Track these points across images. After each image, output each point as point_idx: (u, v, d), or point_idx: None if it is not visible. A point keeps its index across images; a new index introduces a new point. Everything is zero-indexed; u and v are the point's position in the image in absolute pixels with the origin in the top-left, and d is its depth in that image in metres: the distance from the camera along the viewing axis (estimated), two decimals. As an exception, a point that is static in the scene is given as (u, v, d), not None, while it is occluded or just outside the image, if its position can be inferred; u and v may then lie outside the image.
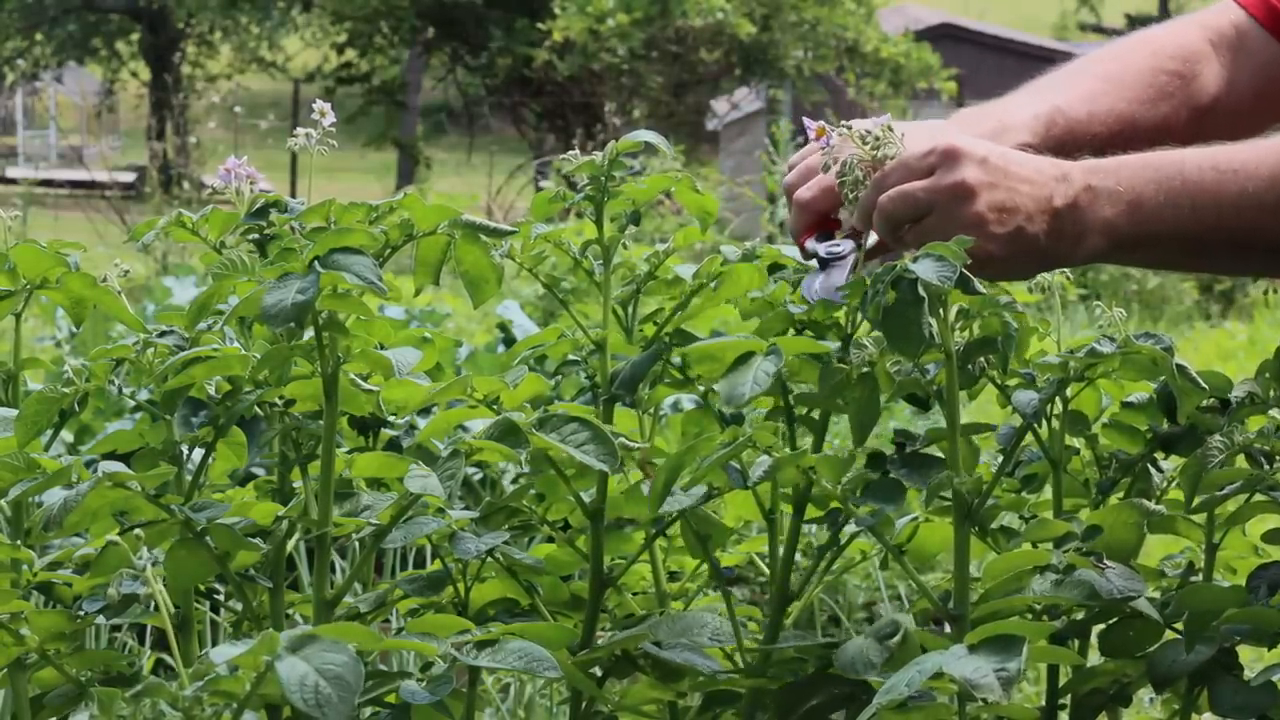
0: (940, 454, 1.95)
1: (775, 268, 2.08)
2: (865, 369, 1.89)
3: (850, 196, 1.91)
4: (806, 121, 1.98)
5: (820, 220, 1.98)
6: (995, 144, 1.92)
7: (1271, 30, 2.20)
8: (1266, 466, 1.95)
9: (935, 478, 1.89)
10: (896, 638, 1.87)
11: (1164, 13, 47.36)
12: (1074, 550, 1.90)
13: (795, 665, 2.02)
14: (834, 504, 1.96)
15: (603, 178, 2.05)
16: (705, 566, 2.10)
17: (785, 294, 2.03)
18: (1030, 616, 1.96)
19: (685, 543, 2.06)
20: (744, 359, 1.91)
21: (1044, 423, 2.02)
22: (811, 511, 2.02)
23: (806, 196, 1.98)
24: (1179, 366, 1.94)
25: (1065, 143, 2.02)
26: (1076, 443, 2.06)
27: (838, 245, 1.95)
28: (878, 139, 1.90)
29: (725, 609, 2.04)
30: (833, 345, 1.94)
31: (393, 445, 2.04)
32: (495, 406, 1.99)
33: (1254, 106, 2.20)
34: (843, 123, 1.94)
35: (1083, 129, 2.09)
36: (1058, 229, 1.89)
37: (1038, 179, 1.89)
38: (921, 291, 1.77)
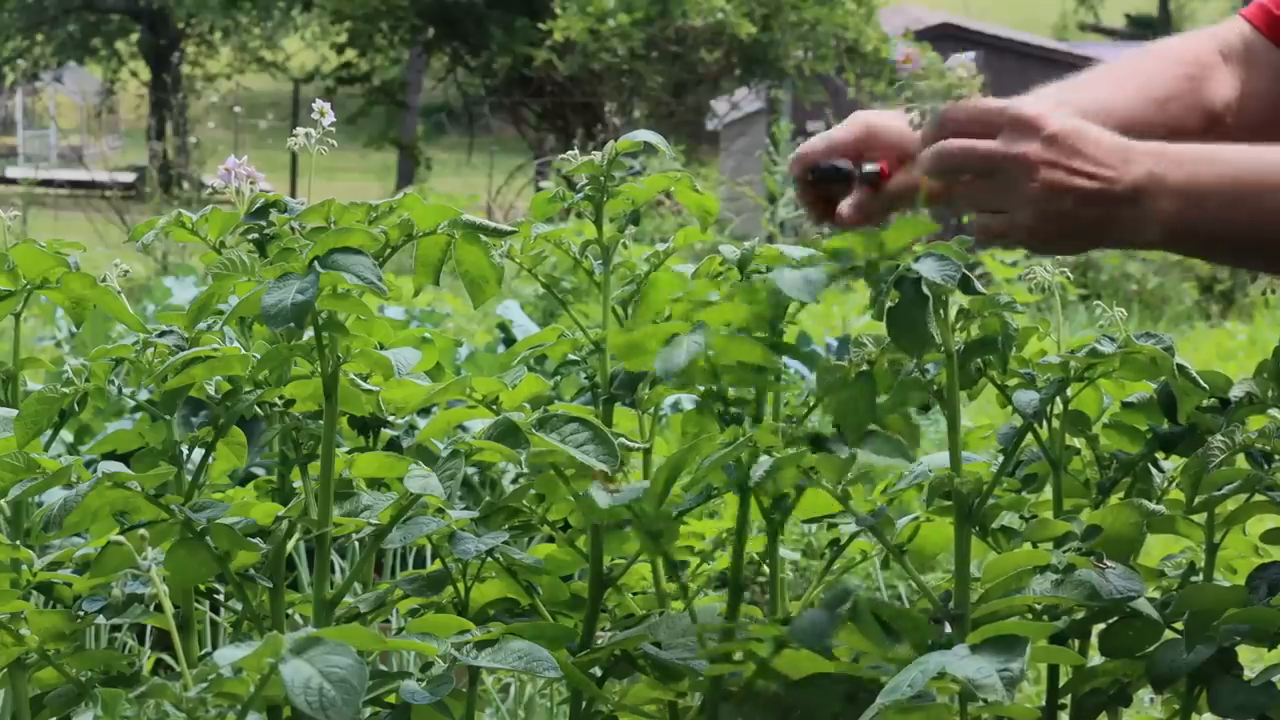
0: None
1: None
2: (863, 367, 1.89)
3: (916, 121, 1.86)
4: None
5: (812, 164, 1.98)
6: (1070, 118, 1.86)
7: (1271, 36, 2.20)
8: (1266, 467, 1.95)
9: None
10: (846, 605, 1.84)
11: (1164, 13, 47.36)
12: (1074, 550, 1.90)
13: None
14: (837, 507, 1.96)
15: (602, 178, 2.05)
16: (705, 566, 2.10)
17: (708, 290, 2.01)
18: (1031, 616, 1.96)
19: (639, 541, 2.03)
20: (672, 340, 1.87)
21: (1044, 422, 2.01)
22: (810, 512, 2.02)
23: (804, 149, 1.99)
24: (1179, 366, 1.93)
25: None
26: (1076, 443, 2.06)
27: (839, 163, 1.94)
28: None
29: (725, 609, 2.04)
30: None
31: (393, 445, 2.04)
32: (494, 407, 1.99)
33: (1270, 117, 2.18)
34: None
35: None
36: (1114, 216, 1.85)
37: (1105, 161, 1.83)
38: (925, 290, 1.77)
